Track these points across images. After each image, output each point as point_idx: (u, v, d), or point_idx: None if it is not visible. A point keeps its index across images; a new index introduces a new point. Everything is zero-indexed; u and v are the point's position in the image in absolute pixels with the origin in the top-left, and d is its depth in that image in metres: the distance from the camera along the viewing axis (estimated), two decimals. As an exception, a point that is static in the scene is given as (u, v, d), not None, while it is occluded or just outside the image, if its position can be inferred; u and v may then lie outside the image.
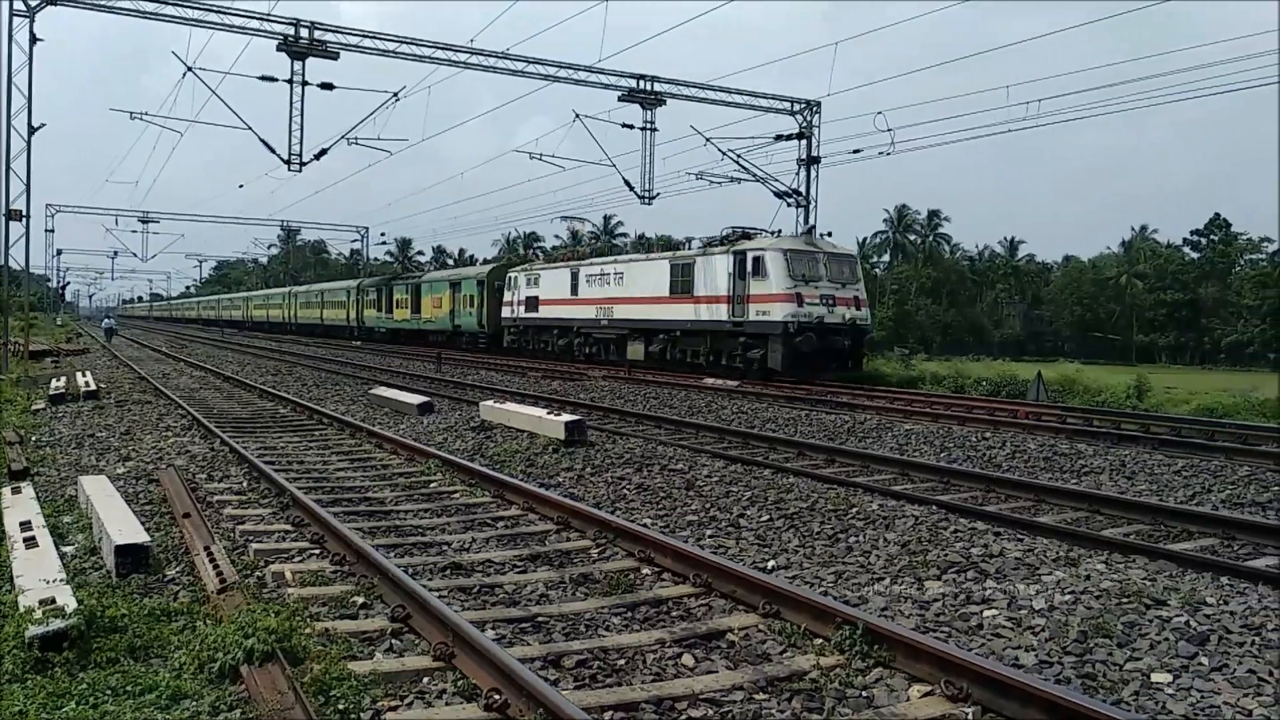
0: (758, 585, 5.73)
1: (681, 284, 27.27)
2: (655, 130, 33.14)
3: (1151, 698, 4.37)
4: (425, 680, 4.57)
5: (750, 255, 24.66)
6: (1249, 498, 9.46)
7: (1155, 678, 4.55)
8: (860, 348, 24.99)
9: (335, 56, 27.11)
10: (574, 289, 32.92)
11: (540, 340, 35.62)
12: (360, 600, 5.72)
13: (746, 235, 26.33)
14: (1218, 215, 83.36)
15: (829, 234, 26.38)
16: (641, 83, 32.24)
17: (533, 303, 35.76)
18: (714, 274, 25.83)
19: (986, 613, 5.50)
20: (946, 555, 6.58)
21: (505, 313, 37.79)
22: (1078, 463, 11.37)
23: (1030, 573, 6.16)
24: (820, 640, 5.07)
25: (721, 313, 25.41)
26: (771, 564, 6.77)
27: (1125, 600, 5.53)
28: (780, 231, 25.76)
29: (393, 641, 5.07)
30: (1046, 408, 17.97)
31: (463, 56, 28.93)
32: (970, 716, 4.17)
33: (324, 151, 28.92)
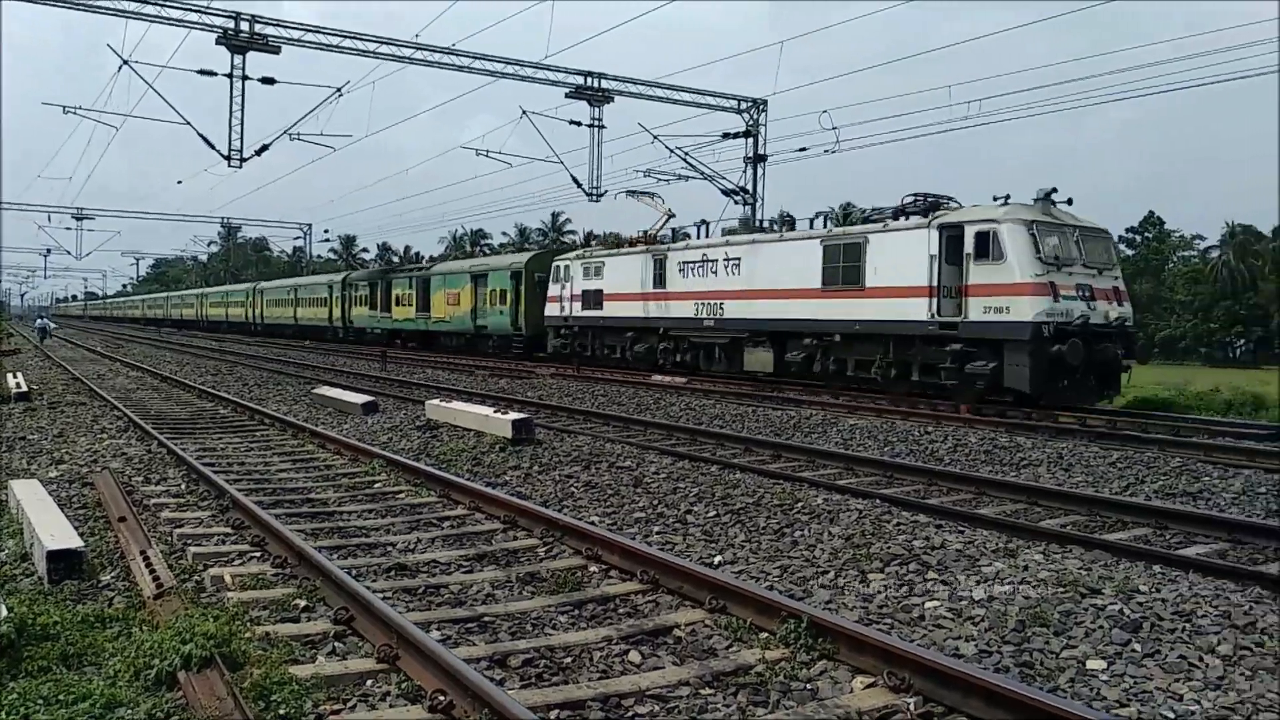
0: (704, 581, 5.75)
1: (843, 271, 20.12)
2: (603, 128, 33.18)
3: (1087, 684, 4.48)
4: (369, 683, 4.52)
5: (972, 230, 17.55)
6: (1180, 488, 9.73)
7: (1090, 665, 4.66)
8: (1130, 358, 17.66)
9: (276, 51, 26.68)
10: (659, 280, 26.13)
11: (605, 345, 28.77)
12: (302, 603, 5.64)
13: (938, 204, 19.38)
14: (1151, 213, 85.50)
15: (1069, 201, 18.30)
16: (589, 80, 32.22)
17: (593, 298, 28.82)
18: (900, 256, 18.83)
19: (928, 604, 5.59)
20: (889, 548, 6.67)
21: (551, 310, 30.84)
22: (1017, 456, 11.61)
23: (971, 564, 6.27)
24: (766, 634, 5.10)
25: (917, 310, 18.36)
26: (718, 559, 6.80)
27: (1062, 590, 5.65)
28: (1008, 198, 18.12)
29: (335, 644, 5.00)
30: (987, 401, 18.27)
31: (407, 52, 28.64)
32: (912, 707, 4.23)
33: (265, 147, 28.44)
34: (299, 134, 29.32)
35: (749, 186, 34.02)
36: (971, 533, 7.19)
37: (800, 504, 8.07)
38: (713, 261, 24.41)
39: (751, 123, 34.39)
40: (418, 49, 28.70)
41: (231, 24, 25.95)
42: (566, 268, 30.38)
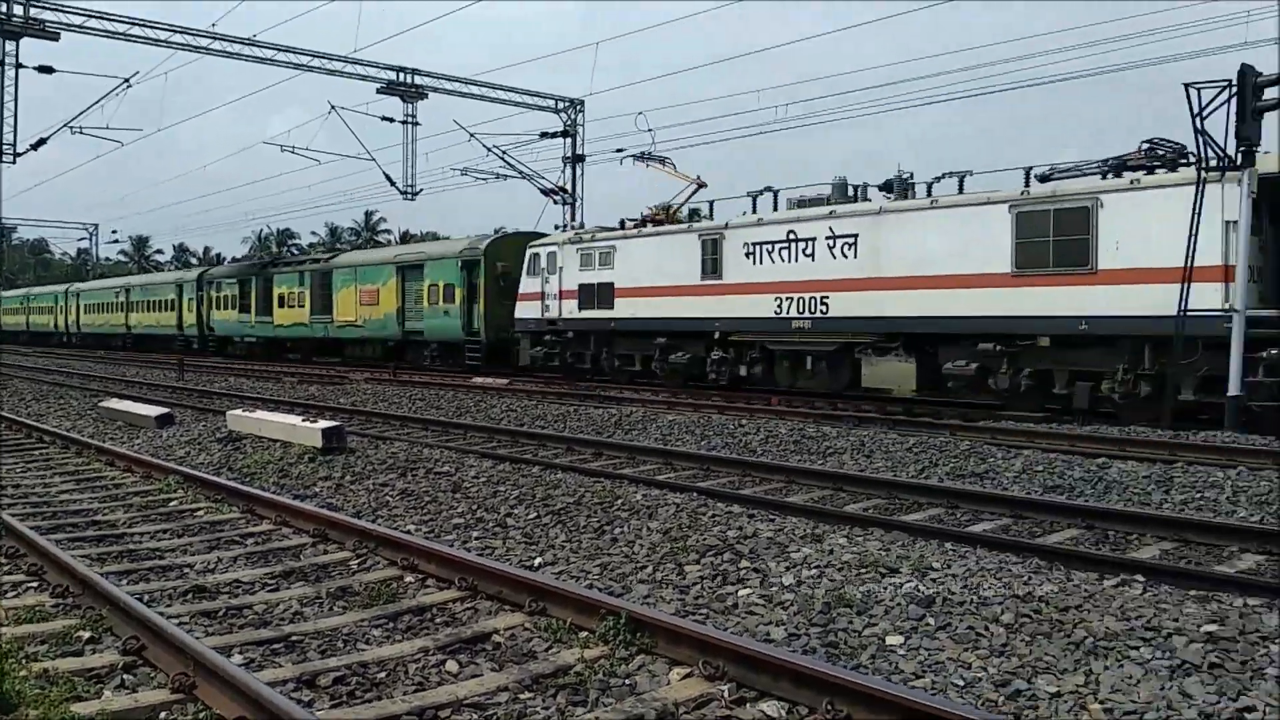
0: (524, 584, 5.71)
1: (1055, 248, 14.86)
2: (417, 124, 32.56)
3: (886, 659, 4.73)
4: (162, 715, 4.21)
5: None
6: (969, 469, 10.47)
7: (889, 640, 4.93)
8: None
9: (55, 37, 24.68)
10: (711, 267, 20.08)
11: (617, 355, 22.87)
12: (87, 634, 5.20)
13: (1182, 153, 14.36)
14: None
15: None
16: (401, 75, 31.55)
17: (597, 294, 22.78)
18: (1163, 224, 13.72)
19: (742, 592, 5.76)
20: (705, 540, 6.84)
21: (526, 311, 24.78)
22: (823, 444, 12.17)
23: (781, 551, 6.51)
24: (585, 633, 5.11)
25: (1199, 300, 13.35)
26: (538, 561, 6.77)
27: (864, 570, 5.96)
28: None
29: (124, 676, 4.63)
30: (794, 393, 19.05)
31: (203, 41, 27.11)
32: (726, 693, 4.34)
33: (43, 141, 26.31)
34: (81, 127, 27.24)
35: (568, 186, 34.20)
36: (782, 520, 7.47)
37: (620, 501, 8.15)
38: (806, 241, 18.30)
39: (569, 122, 34.59)
40: (215, 39, 27.24)
41: (3, 6, 23.73)
42: (551, 255, 24.12)
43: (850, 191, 18.96)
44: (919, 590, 5.54)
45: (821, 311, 18.04)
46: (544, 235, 26.27)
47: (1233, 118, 13.09)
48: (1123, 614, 5.08)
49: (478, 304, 27.10)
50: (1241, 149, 13.02)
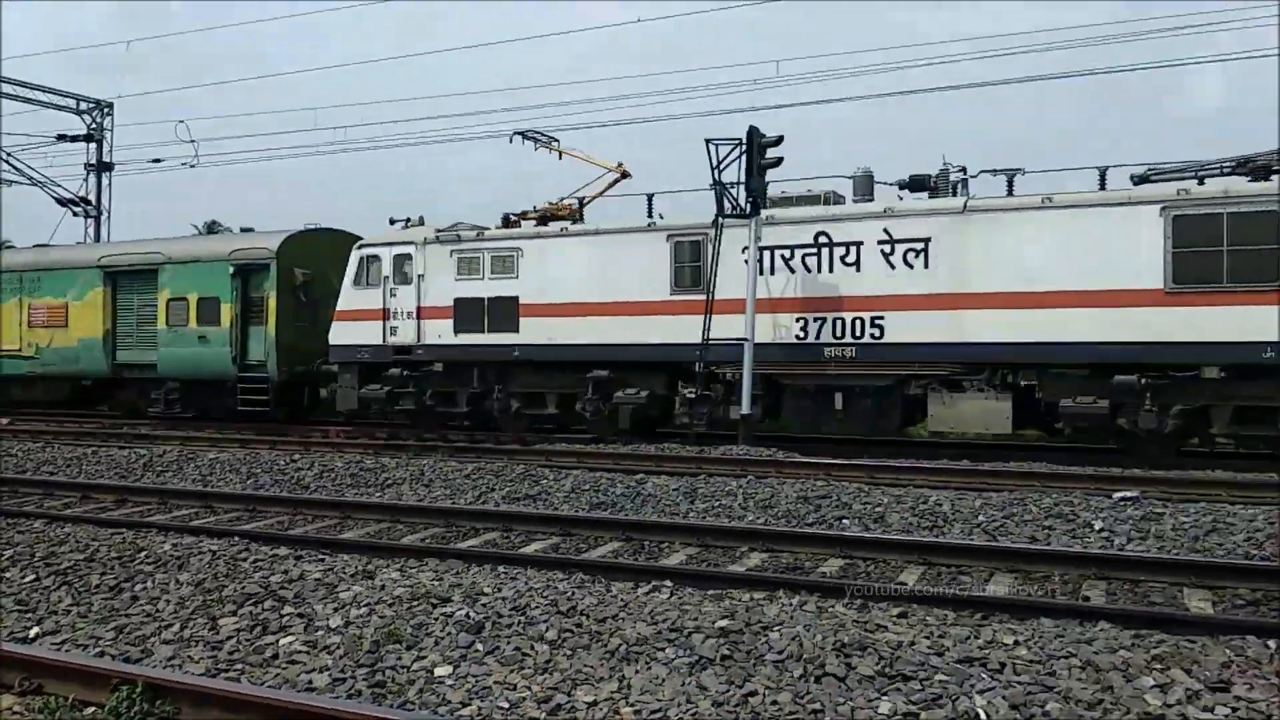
0: (15, 659, 4.85)
1: (1230, 259, 12.47)
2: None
3: (434, 692, 4.67)
4: None
5: None
6: (523, 492, 10.83)
7: (438, 672, 4.88)
8: None
9: None
10: (689, 278, 15.54)
11: (516, 391, 17.06)
12: None
13: None
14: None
15: None
16: None
17: (489, 311, 16.96)
18: None
19: (283, 640, 5.38)
20: (244, 588, 6.30)
21: (352, 335, 18.05)
22: (383, 476, 11.90)
23: (329, 592, 6.19)
24: (93, 709, 4.45)
25: None
26: (35, 631, 5.79)
27: (415, 603, 5.85)
28: None
29: None
30: (357, 425, 18.47)
31: None
32: (259, 755, 4.00)
33: None
34: None
35: (93, 197, 30.36)
36: (332, 559, 7.12)
37: (144, 553, 7.24)
38: (848, 246, 14.53)
39: (94, 126, 30.75)
40: None
41: None
42: (402, 259, 17.72)
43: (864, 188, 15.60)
44: (470, 617, 5.57)
45: (873, 336, 14.38)
46: (355, 236, 19.71)
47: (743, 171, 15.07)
48: (652, 619, 5.51)
49: (264, 325, 19.61)
50: (750, 199, 15.04)
